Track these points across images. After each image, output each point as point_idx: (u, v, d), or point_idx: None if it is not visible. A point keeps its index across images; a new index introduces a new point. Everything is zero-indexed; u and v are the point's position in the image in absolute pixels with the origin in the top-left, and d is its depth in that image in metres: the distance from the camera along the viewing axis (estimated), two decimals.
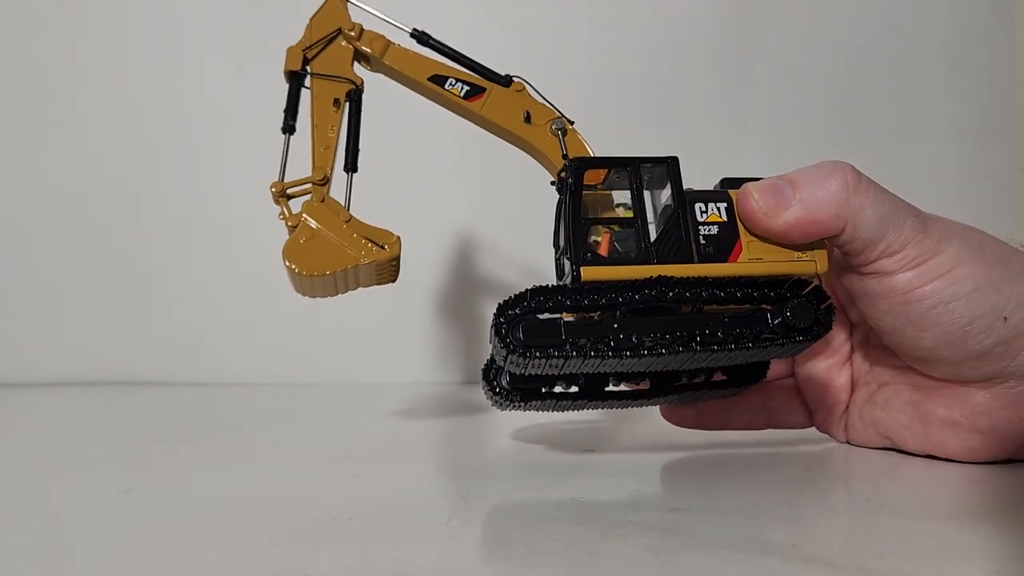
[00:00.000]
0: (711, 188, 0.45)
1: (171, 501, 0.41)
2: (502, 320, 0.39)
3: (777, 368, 0.51)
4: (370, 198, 0.80)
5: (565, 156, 0.45)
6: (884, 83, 0.84)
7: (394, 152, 0.78)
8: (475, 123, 0.48)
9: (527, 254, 0.77)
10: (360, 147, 0.50)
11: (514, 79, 0.48)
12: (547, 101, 0.48)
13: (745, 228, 0.42)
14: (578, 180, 0.43)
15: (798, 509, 0.38)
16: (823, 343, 0.48)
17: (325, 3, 0.49)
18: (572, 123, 0.47)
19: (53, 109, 0.82)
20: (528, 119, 0.47)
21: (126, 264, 0.82)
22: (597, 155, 0.45)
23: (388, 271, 0.48)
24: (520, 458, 0.52)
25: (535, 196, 0.80)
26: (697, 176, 0.82)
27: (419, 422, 0.63)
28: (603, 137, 0.85)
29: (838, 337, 0.49)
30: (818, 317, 0.41)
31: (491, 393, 0.45)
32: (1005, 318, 0.40)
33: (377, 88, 0.50)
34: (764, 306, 0.41)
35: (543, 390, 0.45)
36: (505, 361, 0.40)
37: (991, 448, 0.43)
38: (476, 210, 0.79)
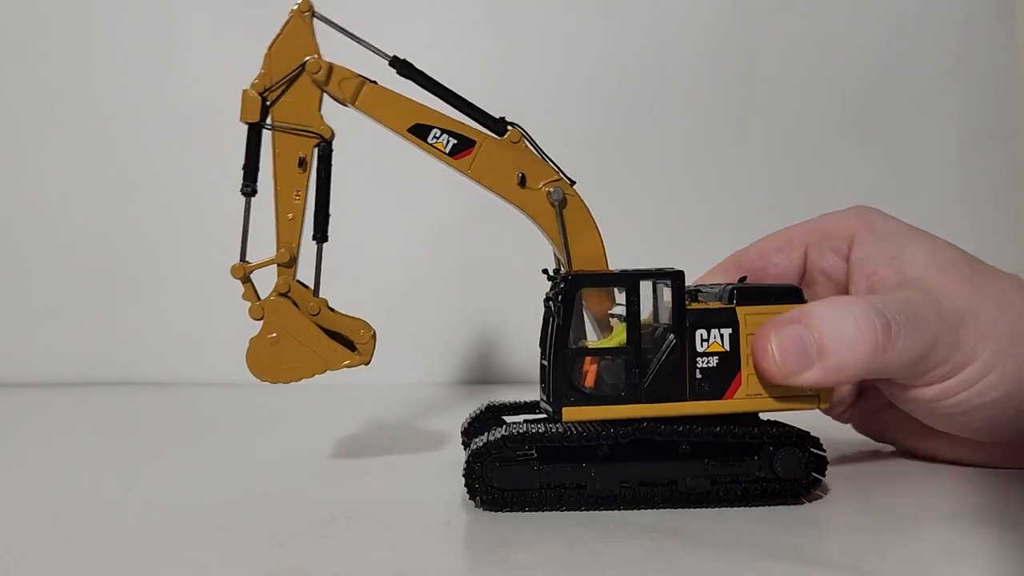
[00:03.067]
0: (723, 292, 0.40)
1: (171, 501, 0.41)
2: (475, 463, 0.38)
3: None
4: (369, 196, 0.80)
5: (566, 247, 0.41)
6: (885, 83, 0.84)
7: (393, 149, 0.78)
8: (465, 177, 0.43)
9: (526, 253, 0.77)
10: (331, 212, 0.43)
11: (510, 126, 0.41)
12: (545, 156, 0.42)
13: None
14: (568, 304, 0.38)
15: (798, 510, 0.38)
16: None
17: (286, 25, 0.42)
18: (574, 183, 0.42)
19: (51, 110, 0.82)
20: (523, 182, 0.41)
21: (126, 264, 0.82)
22: (594, 272, 0.41)
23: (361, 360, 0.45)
24: None
25: None
26: (695, 175, 0.82)
27: (419, 422, 0.63)
28: (603, 137, 0.85)
29: None
30: (808, 469, 0.38)
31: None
32: None
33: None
34: (752, 454, 0.38)
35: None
36: (476, 504, 0.38)
37: (981, 459, 0.44)
38: (477, 208, 0.79)
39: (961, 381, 0.38)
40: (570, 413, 0.38)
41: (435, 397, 0.74)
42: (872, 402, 0.48)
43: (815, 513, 0.38)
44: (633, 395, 0.38)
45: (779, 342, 0.36)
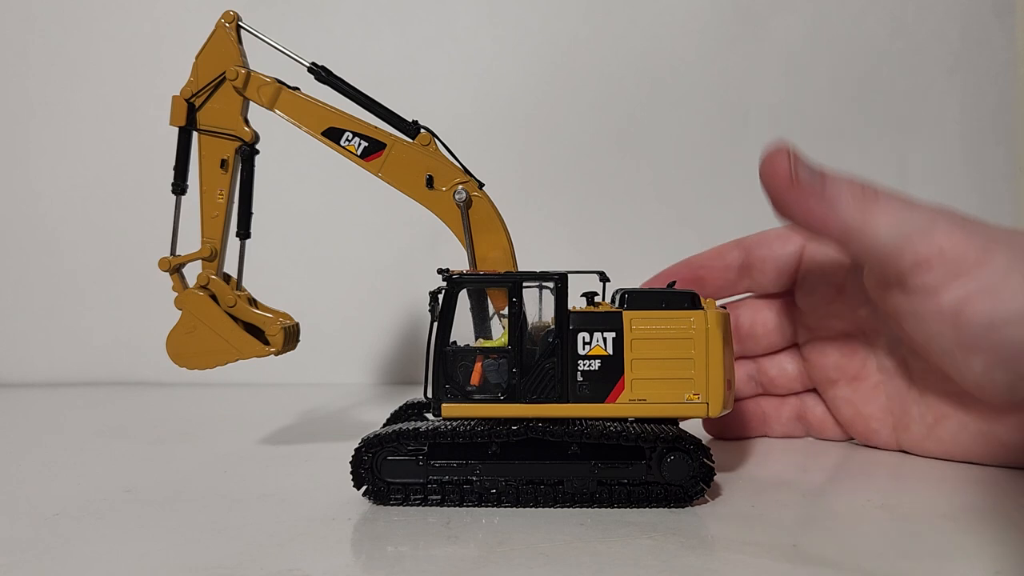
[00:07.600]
0: (611, 297, 0.40)
1: (171, 501, 0.41)
2: (363, 456, 0.38)
3: (800, 380, 0.51)
4: (359, 199, 0.80)
5: (471, 246, 0.42)
6: (885, 83, 0.84)
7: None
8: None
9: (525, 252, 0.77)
10: (252, 210, 0.46)
11: (422, 129, 0.43)
12: (455, 158, 0.43)
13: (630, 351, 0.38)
14: (449, 303, 0.39)
15: (797, 510, 0.38)
16: (842, 371, 0.48)
17: (212, 36, 0.45)
18: (482, 185, 0.43)
19: (51, 111, 0.83)
20: (431, 183, 0.43)
21: (125, 264, 0.82)
22: (475, 273, 0.41)
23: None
24: None
25: (527, 192, 0.80)
26: (694, 174, 0.82)
27: None
28: (602, 136, 0.86)
29: (853, 363, 0.48)
30: (696, 475, 0.38)
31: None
32: None
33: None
34: (638, 458, 0.38)
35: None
36: (364, 493, 0.39)
37: (986, 453, 0.43)
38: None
39: (981, 286, 0.37)
40: (449, 410, 0.38)
41: None
42: (922, 424, 0.46)
43: (815, 512, 0.38)
44: (513, 395, 0.38)
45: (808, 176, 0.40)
